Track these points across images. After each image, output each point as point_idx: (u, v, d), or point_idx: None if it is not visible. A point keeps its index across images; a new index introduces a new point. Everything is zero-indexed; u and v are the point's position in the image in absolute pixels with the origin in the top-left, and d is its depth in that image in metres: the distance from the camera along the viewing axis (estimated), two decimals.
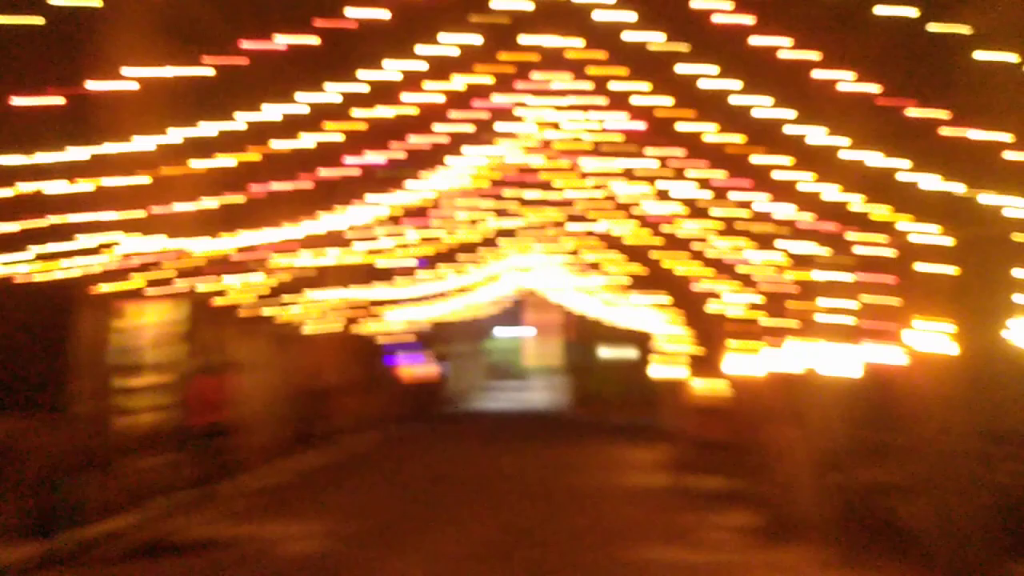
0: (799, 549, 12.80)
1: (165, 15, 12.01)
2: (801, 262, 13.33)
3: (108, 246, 12.04)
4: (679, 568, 12.12)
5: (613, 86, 9.97)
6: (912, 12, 7.70)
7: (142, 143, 8.90)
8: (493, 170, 13.32)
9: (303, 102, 8.44)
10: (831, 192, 10.62)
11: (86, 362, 14.33)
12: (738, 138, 10.44)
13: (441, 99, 9.21)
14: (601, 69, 9.73)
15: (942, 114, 8.48)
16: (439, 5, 7.99)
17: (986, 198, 9.54)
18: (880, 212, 10.33)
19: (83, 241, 11.70)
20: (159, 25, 12.44)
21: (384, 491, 19.25)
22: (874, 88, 8.35)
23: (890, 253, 11.41)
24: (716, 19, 8.11)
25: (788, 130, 9.39)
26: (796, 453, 14.59)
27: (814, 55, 8.35)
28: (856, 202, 10.55)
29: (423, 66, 8.44)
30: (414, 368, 38.65)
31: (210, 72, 8.02)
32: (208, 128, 8.85)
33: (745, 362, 15.37)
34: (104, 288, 13.77)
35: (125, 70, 7.83)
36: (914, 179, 9.36)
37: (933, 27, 8.32)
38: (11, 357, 13.36)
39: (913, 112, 8.49)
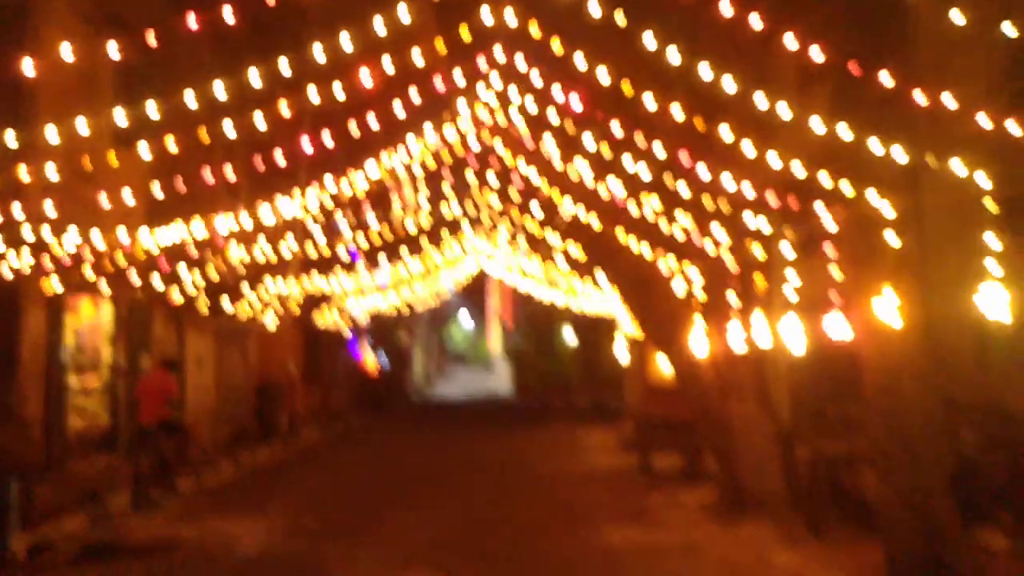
0: (762, 525, 12.83)
1: None
2: (756, 236, 13.30)
3: (49, 240, 11.64)
4: (644, 549, 12.07)
5: (566, 63, 9.75)
6: None
7: (78, 128, 8.47)
8: (446, 152, 13.05)
9: (250, 78, 8.08)
10: (787, 164, 10.53)
11: (33, 361, 13.93)
12: (691, 111, 10.29)
13: (390, 76, 8.91)
14: (553, 44, 9.49)
15: (892, 79, 8.40)
16: None
17: (945, 164, 9.53)
18: (836, 183, 10.28)
19: (24, 235, 11.29)
20: (78, 6, 12.01)
21: (344, 484, 18.97)
22: (820, 53, 8.20)
23: (845, 225, 11.38)
24: None
25: (745, 102, 9.25)
26: (758, 429, 14.64)
27: (757, 20, 8.19)
28: (812, 174, 10.48)
29: (372, 41, 8.14)
30: (372, 358, 38.29)
31: (136, 52, 7.62)
32: (147, 110, 8.45)
33: (704, 340, 15.31)
34: (48, 284, 13.34)
35: (45, 52, 7.41)
36: (872, 148, 9.30)
37: None
38: None
39: (878, 79, 8.38)
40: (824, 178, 10.42)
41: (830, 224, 11.38)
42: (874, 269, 10.72)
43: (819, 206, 11.12)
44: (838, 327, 11.39)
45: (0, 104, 8.99)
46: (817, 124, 9.45)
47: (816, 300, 12.10)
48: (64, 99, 12.22)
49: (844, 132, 9.36)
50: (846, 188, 10.37)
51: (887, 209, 10.21)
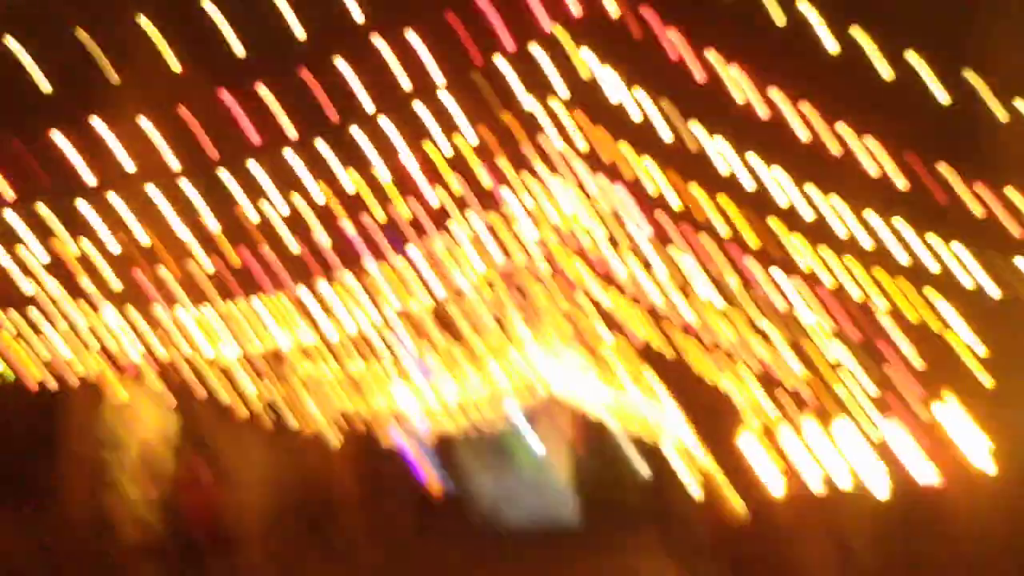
0: None
1: (142, 65, 11.94)
2: (832, 364, 12.68)
3: (96, 326, 11.71)
4: None
5: (624, 167, 9.64)
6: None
7: (124, 201, 8.57)
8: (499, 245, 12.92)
9: (294, 158, 8.12)
10: (852, 267, 10.11)
11: (78, 459, 13.86)
12: (752, 214, 10.00)
13: (435, 166, 8.89)
14: (613, 150, 9.42)
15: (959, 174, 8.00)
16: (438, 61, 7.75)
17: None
18: (902, 285, 9.77)
19: (68, 319, 11.36)
20: (137, 75, 12.39)
21: None
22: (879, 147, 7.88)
23: (915, 330, 10.77)
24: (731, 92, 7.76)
25: (802, 204, 8.94)
26: (831, 567, 13.62)
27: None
28: (878, 274, 10.02)
29: (422, 127, 8.16)
30: (427, 473, 37.60)
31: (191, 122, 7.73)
32: (193, 186, 8.53)
33: (771, 465, 14.56)
34: (93, 374, 13.38)
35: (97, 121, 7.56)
36: (942, 248, 8.82)
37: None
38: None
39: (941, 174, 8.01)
40: (895, 299, 9.94)
41: (905, 348, 10.78)
42: (959, 400, 10.06)
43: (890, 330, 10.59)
44: (921, 463, 10.75)
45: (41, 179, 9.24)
46: (885, 236, 9.08)
47: (891, 431, 11.46)
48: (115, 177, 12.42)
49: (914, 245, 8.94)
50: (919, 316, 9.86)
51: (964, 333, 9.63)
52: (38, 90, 9.18)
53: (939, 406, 10.55)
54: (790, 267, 10.49)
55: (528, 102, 8.45)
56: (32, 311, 10.78)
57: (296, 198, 9.06)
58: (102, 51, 8.35)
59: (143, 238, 10.24)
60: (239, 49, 7.79)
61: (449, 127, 8.57)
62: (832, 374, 13.13)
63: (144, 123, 7.82)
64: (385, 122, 7.93)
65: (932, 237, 8.98)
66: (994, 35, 8.98)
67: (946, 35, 8.54)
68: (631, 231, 10.93)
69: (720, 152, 8.78)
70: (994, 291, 8.86)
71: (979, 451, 9.56)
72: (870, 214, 9.23)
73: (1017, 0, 8.81)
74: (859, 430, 12.27)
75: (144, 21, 7.27)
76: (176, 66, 8.22)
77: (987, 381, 9.39)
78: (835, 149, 8.49)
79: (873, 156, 8.25)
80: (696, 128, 8.30)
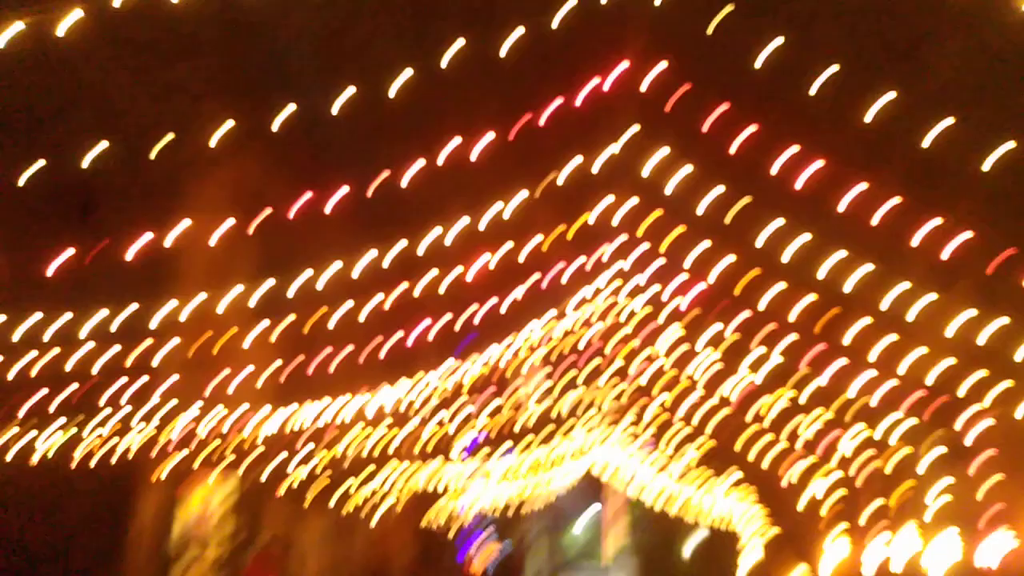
0: None
1: (220, 171, 12.11)
2: (900, 440, 12.28)
3: (166, 419, 11.71)
4: None
5: (690, 253, 9.49)
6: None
7: (198, 304, 8.59)
8: (562, 342, 12.78)
9: (362, 265, 8.10)
10: (928, 366, 9.77)
11: (139, 548, 13.73)
12: (822, 306, 9.76)
13: (503, 265, 8.83)
14: (675, 237, 9.29)
15: None
16: (500, 169, 7.76)
17: None
18: (987, 385, 9.41)
19: (141, 413, 11.39)
20: (216, 181, 12.57)
21: None
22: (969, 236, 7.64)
23: (997, 435, 10.38)
24: (801, 178, 7.62)
25: (885, 295, 8.70)
26: None
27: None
28: (958, 376, 9.66)
29: (485, 230, 8.11)
30: (480, 559, 36.88)
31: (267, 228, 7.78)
32: (266, 289, 8.54)
33: (839, 558, 14.03)
34: (163, 465, 13.35)
35: (177, 227, 7.64)
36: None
37: None
38: (63, 542, 12.82)
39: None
40: (972, 379, 9.58)
41: (980, 431, 10.41)
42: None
43: (968, 411, 10.21)
44: (991, 549, 10.25)
45: (125, 281, 9.33)
46: (961, 319, 8.76)
47: (961, 519, 10.97)
48: (196, 279, 12.57)
49: (993, 328, 8.62)
50: (998, 390, 9.48)
51: None
52: (116, 196, 9.41)
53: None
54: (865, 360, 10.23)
55: (604, 199, 8.40)
56: (110, 410, 10.83)
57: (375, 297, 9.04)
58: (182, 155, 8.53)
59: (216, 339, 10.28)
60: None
61: (526, 228, 8.54)
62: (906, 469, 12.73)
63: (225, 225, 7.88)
64: (462, 223, 7.92)
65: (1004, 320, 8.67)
66: None
67: None
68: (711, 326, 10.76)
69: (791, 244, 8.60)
70: None
71: None
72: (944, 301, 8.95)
73: None
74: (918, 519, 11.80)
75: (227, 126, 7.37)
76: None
77: None
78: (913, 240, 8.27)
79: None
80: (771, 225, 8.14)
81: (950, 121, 6.63)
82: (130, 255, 7.53)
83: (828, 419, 12.29)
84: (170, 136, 7.39)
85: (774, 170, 7.44)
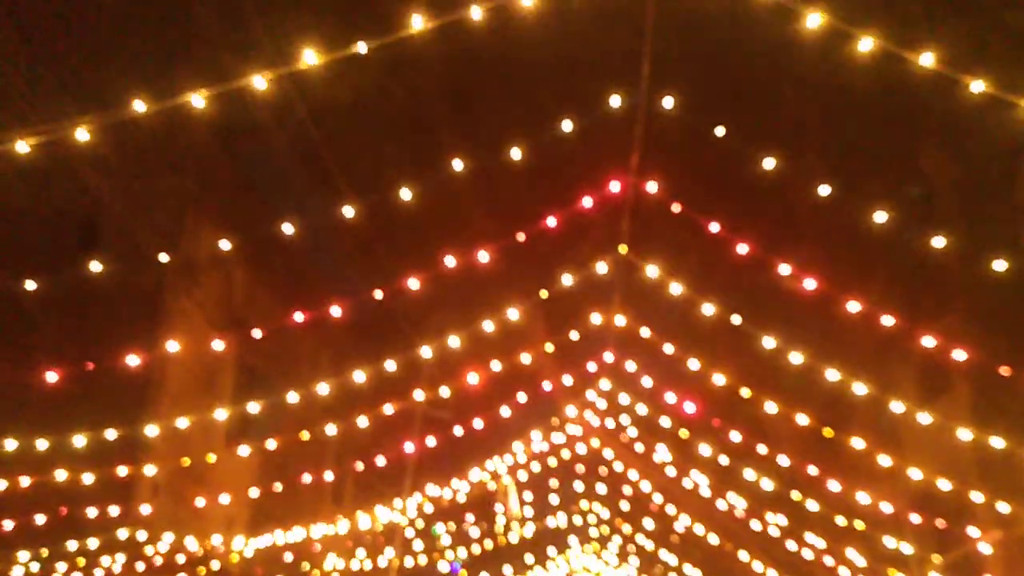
0: None
1: (208, 288, 11.99)
2: (897, 561, 11.91)
3: (147, 542, 11.27)
4: None
5: (682, 367, 9.33)
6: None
7: (181, 424, 8.35)
8: (553, 458, 12.50)
9: (356, 378, 7.91)
10: (930, 480, 9.53)
11: None
12: (818, 419, 9.58)
13: (498, 379, 8.65)
14: (666, 348, 9.16)
15: None
16: (504, 277, 7.69)
17: None
18: (990, 501, 9.17)
19: (120, 536, 10.97)
20: (204, 297, 12.45)
21: None
22: (962, 353, 7.52)
23: (1003, 549, 10.09)
24: (785, 286, 7.57)
25: (878, 409, 8.55)
26: None
27: (889, 318, 7.63)
28: (961, 490, 9.42)
29: (474, 345, 7.98)
30: None
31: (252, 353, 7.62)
32: (251, 408, 8.31)
33: None
34: None
35: (167, 344, 7.47)
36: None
37: None
38: None
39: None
40: (975, 495, 9.34)
41: (985, 549, 10.11)
42: None
43: (971, 528, 9.93)
44: None
45: (107, 401, 9.09)
46: (963, 434, 8.58)
47: None
48: (177, 399, 12.38)
49: (995, 443, 8.44)
50: (1002, 507, 9.24)
51: None
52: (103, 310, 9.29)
53: None
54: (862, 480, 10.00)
55: (593, 316, 8.30)
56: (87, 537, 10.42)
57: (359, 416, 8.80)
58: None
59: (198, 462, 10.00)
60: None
61: (515, 343, 8.42)
62: None
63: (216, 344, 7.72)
64: (453, 340, 7.79)
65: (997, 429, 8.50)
66: None
67: None
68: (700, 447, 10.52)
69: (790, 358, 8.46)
70: None
71: None
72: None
73: None
74: None
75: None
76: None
77: None
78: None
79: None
80: (767, 339, 8.03)
81: (938, 234, 6.65)
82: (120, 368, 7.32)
83: (828, 538, 11.94)
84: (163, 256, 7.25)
85: (767, 286, 7.41)
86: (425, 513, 14.04)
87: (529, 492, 16.21)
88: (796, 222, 8.36)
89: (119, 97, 5.67)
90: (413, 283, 7.24)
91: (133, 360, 7.31)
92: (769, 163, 6.49)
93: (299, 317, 7.31)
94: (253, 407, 8.32)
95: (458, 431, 9.88)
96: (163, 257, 7.59)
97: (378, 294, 7.23)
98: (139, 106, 5.53)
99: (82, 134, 5.47)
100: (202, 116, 5.85)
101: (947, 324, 8.12)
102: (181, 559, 12.48)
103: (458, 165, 6.38)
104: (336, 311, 7.34)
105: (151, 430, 8.37)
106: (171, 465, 9.87)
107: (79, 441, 7.81)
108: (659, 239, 8.15)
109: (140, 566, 12.16)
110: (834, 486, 10.13)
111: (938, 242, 6.75)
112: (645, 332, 8.58)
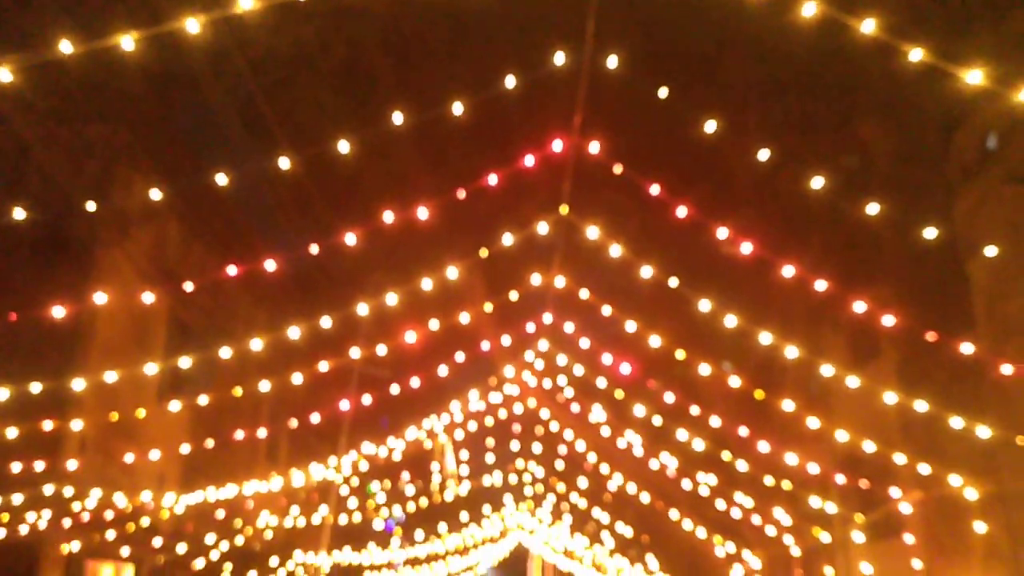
0: None
1: (139, 238, 11.63)
2: (822, 520, 12.27)
3: (74, 498, 11.04)
4: None
5: (623, 330, 9.37)
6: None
7: (110, 378, 8.12)
8: (489, 417, 12.54)
9: (291, 333, 7.76)
10: (856, 442, 9.78)
11: None
12: (750, 381, 9.74)
13: (430, 339, 8.58)
14: (603, 310, 9.19)
15: (971, 351, 7.81)
16: (443, 235, 7.61)
17: None
18: (912, 463, 9.45)
19: (46, 491, 10.71)
20: (135, 248, 12.12)
21: None
22: (891, 319, 7.67)
23: (923, 510, 10.42)
24: (723, 250, 7.62)
25: (809, 373, 8.71)
26: None
27: (822, 283, 7.75)
28: (885, 452, 9.69)
29: (413, 303, 7.89)
30: None
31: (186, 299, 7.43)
32: (183, 363, 8.13)
33: None
34: (68, 544, 12.55)
35: (96, 296, 7.23)
36: (952, 425, 8.56)
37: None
38: None
39: (954, 350, 7.79)
40: (899, 457, 9.62)
41: (907, 508, 10.45)
42: (959, 559, 9.69)
43: (894, 488, 10.24)
44: None
45: (33, 353, 8.81)
46: (888, 397, 8.79)
47: None
48: (106, 352, 12.09)
49: (919, 407, 8.67)
50: (923, 469, 9.53)
51: (970, 493, 9.31)
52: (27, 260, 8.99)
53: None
54: (791, 441, 10.22)
55: (533, 276, 8.27)
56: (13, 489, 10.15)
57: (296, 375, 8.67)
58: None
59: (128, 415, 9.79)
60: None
61: (454, 302, 8.37)
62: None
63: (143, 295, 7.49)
64: (391, 298, 7.69)
65: (921, 392, 8.73)
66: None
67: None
68: (635, 407, 10.62)
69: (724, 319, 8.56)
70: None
71: None
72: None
73: None
74: None
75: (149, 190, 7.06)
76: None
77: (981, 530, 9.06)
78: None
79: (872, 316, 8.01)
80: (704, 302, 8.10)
81: (871, 201, 6.74)
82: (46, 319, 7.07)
83: (756, 497, 12.23)
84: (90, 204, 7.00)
85: (704, 246, 7.45)
86: (360, 471, 14.00)
87: (465, 451, 16.29)
88: (735, 187, 8.41)
89: (44, 38, 5.43)
90: (350, 238, 7.13)
91: (59, 311, 7.09)
92: (710, 127, 6.50)
93: (233, 271, 7.15)
94: (185, 362, 8.15)
95: (395, 389, 9.83)
96: (91, 206, 7.30)
97: (314, 249, 7.10)
98: (65, 47, 5.30)
99: (4, 74, 5.22)
100: (134, 61, 5.64)
101: (878, 290, 8.28)
102: (110, 515, 12.29)
103: (398, 119, 6.26)
104: (271, 265, 7.19)
105: (78, 384, 8.14)
106: (99, 420, 9.65)
107: (2, 394, 7.57)
108: (600, 201, 8.15)
109: (67, 522, 11.96)
110: (763, 447, 10.34)
111: (872, 209, 6.85)
112: (584, 293, 8.59)
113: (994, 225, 9.57)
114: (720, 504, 12.59)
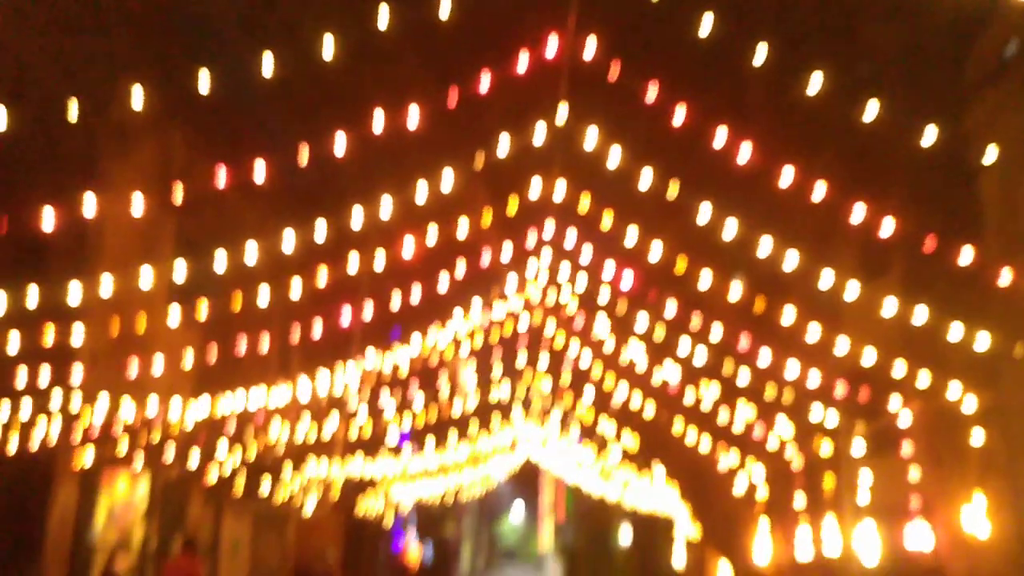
0: None
1: (137, 144, 11.54)
2: (823, 431, 12.38)
3: (85, 405, 11.23)
4: None
5: (624, 240, 9.31)
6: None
7: (115, 284, 8.16)
8: (493, 329, 12.61)
9: (290, 242, 7.75)
10: (857, 352, 9.79)
11: (60, 537, 13.20)
12: (751, 291, 9.73)
13: (430, 248, 8.55)
14: (604, 221, 9.12)
15: (973, 257, 7.75)
16: (438, 141, 7.52)
17: None
18: (912, 373, 9.47)
19: (58, 398, 10.88)
20: (133, 153, 12.05)
21: None
22: (891, 226, 7.58)
23: (923, 420, 10.48)
24: (738, 161, 7.48)
25: (809, 282, 8.67)
26: None
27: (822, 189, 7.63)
28: (885, 362, 9.70)
29: (412, 210, 7.83)
30: (414, 550, 36.61)
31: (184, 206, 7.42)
32: (187, 270, 8.16)
33: (767, 544, 14.10)
34: (80, 458, 12.81)
35: (90, 200, 7.23)
36: (953, 335, 8.54)
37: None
38: None
39: (957, 257, 7.73)
40: (899, 367, 9.64)
41: (906, 419, 10.51)
42: (957, 470, 9.78)
43: (894, 399, 10.28)
44: (918, 535, 10.38)
45: (35, 258, 8.83)
46: (890, 306, 8.77)
47: (892, 503, 11.08)
48: (112, 263, 12.05)
49: (920, 316, 8.65)
50: (924, 379, 9.56)
51: (970, 403, 9.35)
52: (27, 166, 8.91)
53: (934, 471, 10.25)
54: (794, 348, 10.24)
55: (532, 181, 8.20)
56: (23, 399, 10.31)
57: (296, 282, 8.70)
58: None
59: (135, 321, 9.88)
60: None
61: (452, 210, 8.31)
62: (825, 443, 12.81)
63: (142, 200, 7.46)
64: (386, 202, 7.65)
65: (922, 302, 8.69)
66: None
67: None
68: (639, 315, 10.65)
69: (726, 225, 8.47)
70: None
71: (972, 516, 9.25)
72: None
73: None
74: (852, 503, 11.91)
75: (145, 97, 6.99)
76: None
77: (980, 441, 9.15)
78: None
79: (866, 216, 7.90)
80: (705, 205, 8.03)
81: (876, 105, 6.60)
82: (44, 228, 7.07)
83: (760, 406, 12.34)
84: (74, 102, 6.91)
85: (704, 152, 7.34)
86: (371, 381, 14.16)
87: (473, 364, 16.48)
88: (735, 90, 8.23)
89: None
90: (347, 142, 7.03)
91: (55, 222, 7.10)
92: (708, 26, 6.35)
93: (227, 177, 7.12)
94: (190, 271, 8.17)
95: (414, 299, 9.84)
96: (74, 110, 7.22)
97: (342, 142, 6.95)
98: None
99: None
100: None
101: (880, 196, 8.16)
102: (120, 426, 12.52)
103: (391, 20, 6.13)
104: (263, 172, 7.13)
105: (80, 292, 8.20)
106: (106, 330, 9.74)
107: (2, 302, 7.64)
108: (598, 104, 8.01)
109: (78, 436, 12.19)
110: (765, 358, 10.38)
111: (875, 113, 6.72)
112: (584, 202, 8.52)
113: (1009, 134, 9.39)
114: (723, 415, 12.73)
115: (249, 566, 21.26)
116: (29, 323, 8.56)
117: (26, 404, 10.48)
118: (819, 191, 7.66)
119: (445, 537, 42.22)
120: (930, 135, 7.15)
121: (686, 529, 22.16)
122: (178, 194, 7.91)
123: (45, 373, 10.19)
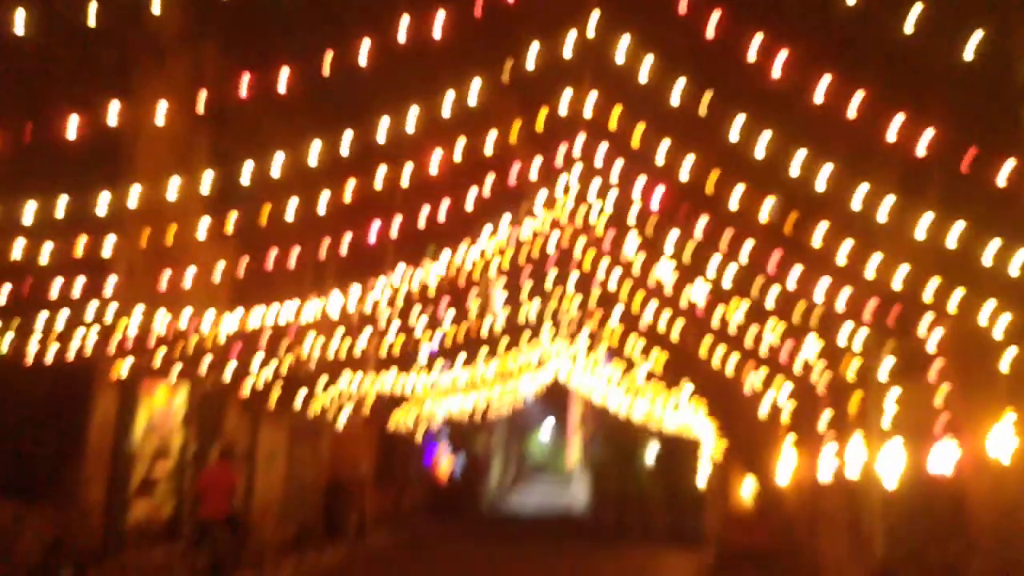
0: None
1: (160, 50, 11.45)
2: (851, 353, 12.33)
3: (120, 315, 11.43)
4: None
5: (655, 156, 9.17)
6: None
7: (145, 193, 8.23)
8: (522, 246, 12.59)
9: (314, 155, 7.74)
10: (888, 272, 9.66)
11: (100, 445, 13.61)
12: (782, 210, 9.59)
13: (467, 161, 8.49)
14: (635, 135, 8.96)
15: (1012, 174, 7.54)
16: (465, 51, 7.39)
17: None
18: (944, 295, 9.34)
19: (91, 313, 11.07)
20: (159, 61, 11.98)
21: None
22: (926, 143, 7.37)
23: (952, 343, 10.39)
24: (772, 74, 7.28)
25: (842, 200, 8.51)
26: (849, 567, 13.33)
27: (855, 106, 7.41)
28: (916, 284, 9.57)
29: (439, 123, 7.74)
30: (445, 464, 37.42)
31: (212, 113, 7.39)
32: (219, 182, 8.19)
33: (791, 464, 14.21)
34: (116, 368, 13.11)
35: (118, 108, 7.23)
36: (987, 256, 8.38)
37: None
38: (17, 441, 12.60)
39: (995, 174, 7.52)
40: (931, 288, 9.51)
41: (936, 340, 10.43)
42: (985, 395, 9.72)
43: (924, 319, 10.18)
44: (943, 459, 10.39)
45: (63, 167, 8.88)
46: (923, 226, 8.61)
47: (918, 427, 11.06)
48: (141, 165, 12.04)
49: (954, 235, 8.48)
50: (955, 299, 9.44)
51: (1002, 324, 9.23)
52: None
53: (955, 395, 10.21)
54: (826, 265, 10.12)
55: (563, 93, 8.06)
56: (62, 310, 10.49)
57: (324, 195, 8.70)
58: None
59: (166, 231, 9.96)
60: None
61: (479, 122, 8.22)
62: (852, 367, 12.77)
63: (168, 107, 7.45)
64: (413, 116, 7.58)
65: (960, 222, 8.51)
66: None
67: None
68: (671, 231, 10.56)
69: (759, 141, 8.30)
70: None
71: (997, 440, 9.23)
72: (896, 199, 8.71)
73: None
74: (877, 425, 11.91)
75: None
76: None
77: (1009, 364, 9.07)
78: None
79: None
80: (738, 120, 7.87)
81: (919, 8, 6.37)
82: (69, 136, 7.09)
83: (789, 326, 12.29)
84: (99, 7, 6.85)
85: (739, 64, 7.16)
86: (401, 298, 14.26)
87: (502, 282, 16.51)
88: None
89: None
90: (371, 50, 6.94)
91: (80, 127, 7.12)
92: None
93: (255, 87, 7.09)
94: (222, 182, 8.20)
95: (441, 215, 9.79)
96: (100, 16, 7.17)
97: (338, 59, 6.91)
98: None
99: None
100: None
101: (920, 111, 7.94)
102: (155, 337, 12.76)
103: None
104: (301, 76, 7.08)
105: (113, 201, 8.27)
106: (139, 241, 9.85)
107: (31, 211, 7.73)
108: (629, 12, 7.81)
109: (113, 345, 12.44)
110: (794, 277, 10.30)
111: (915, 21, 6.50)
112: (615, 116, 8.39)
113: None
114: (751, 336, 12.71)
115: (284, 476, 21.83)
116: (63, 234, 8.66)
117: (62, 315, 10.67)
118: (855, 104, 7.46)
119: (476, 452, 43.06)
120: (973, 47, 6.91)
121: (711, 449, 22.41)
122: (206, 104, 7.87)
123: (79, 284, 10.34)
